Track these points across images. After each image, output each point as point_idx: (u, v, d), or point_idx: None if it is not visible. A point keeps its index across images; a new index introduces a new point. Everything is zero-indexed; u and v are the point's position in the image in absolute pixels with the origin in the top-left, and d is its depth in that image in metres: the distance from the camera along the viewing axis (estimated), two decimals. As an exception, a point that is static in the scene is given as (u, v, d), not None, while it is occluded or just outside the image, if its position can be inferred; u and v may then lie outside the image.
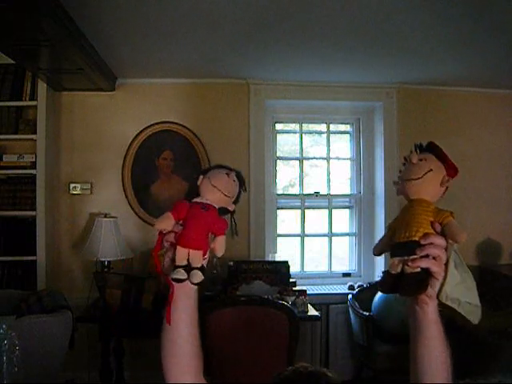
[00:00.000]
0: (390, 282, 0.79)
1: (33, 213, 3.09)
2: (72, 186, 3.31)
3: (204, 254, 0.83)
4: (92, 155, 3.35)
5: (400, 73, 3.29)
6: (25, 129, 3.13)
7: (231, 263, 3.13)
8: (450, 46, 2.67)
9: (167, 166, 3.41)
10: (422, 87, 3.58)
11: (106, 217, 3.11)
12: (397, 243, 0.79)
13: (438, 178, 0.80)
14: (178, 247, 0.80)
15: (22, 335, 1.71)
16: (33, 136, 3.10)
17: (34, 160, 3.10)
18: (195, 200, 0.85)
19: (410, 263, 0.75)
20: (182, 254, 0.80)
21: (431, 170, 0.80)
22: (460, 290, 0.76)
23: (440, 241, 0.75)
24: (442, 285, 0.75)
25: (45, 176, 3.11)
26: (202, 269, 0.81)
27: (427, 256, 0.74)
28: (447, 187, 0.82)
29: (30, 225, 3.10)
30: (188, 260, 0.80)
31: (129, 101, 3.39)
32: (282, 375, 0.92)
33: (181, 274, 0.80)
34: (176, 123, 3.40)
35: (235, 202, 0.89)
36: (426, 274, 0.75)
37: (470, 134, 3.67)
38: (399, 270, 0.77)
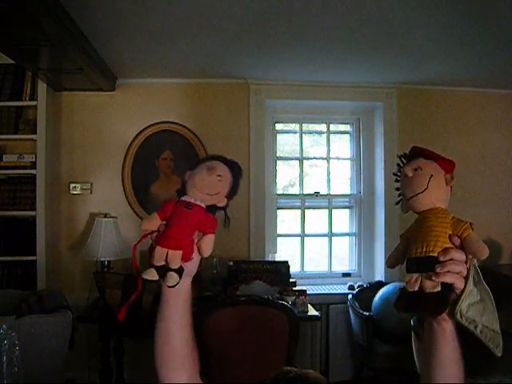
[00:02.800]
0: (406, 300, 0.73)
1: (33, 213, 3.09)
2: (72, 186, 3.31)
3: (187, 255, 0.80)
4: (92, 155, 3.35)
5: (400, 73, 3.28)
6: (25, 129, 3.12)
7: (231, 263, 3.12)
8: (449, 46, 2.67)
9: (167, 166, 3.41)
10: (422, 87, 3.58)
11: (105, 217, 3.11)
12: (413, 258, 0.73)
13: (441, 180, 0.77)
14: (157, 247, 0.78)
15: (22, 335, 1.71)
16: (33, 136, 3.10)
17: (34, 160, 3.10)
18: (181, 198, 0.82)
19: (433, 277, 0.70)
20: (159, 254, 0.78)
21: (432, 175, 0.76)
22: (477, 310, 0.71)
23: (460, 256, 0.71)
24: (458, 301, 0.71)
25: (45, 176, 3.11)
26: (179, 270, 0.78)
27: (448, 272, 0.70)
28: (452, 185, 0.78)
29: (30, 225, 3.10)
30: (166, 260, 0.78)
31: (129, 101, 3.39)
32: (264, 383, 0.90)
33: (151, 275, 0.78)
34: (176, 123, 3.40)
35: (232, 195, 0.84)
36: (448, 292, 0.70)
37: (470, 133, 3.67)
38: (417, 287, 0.72)
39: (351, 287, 3.46)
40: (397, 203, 0.82)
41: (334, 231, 3.76)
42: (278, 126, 3.74)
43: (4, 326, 1.51)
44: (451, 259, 0.70)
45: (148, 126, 3.39)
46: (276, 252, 3.56)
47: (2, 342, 1.49)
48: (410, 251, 0.75)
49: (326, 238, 3.75)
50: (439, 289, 0.70)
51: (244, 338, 2.28)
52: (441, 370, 0.74)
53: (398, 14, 2.22)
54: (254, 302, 2.38)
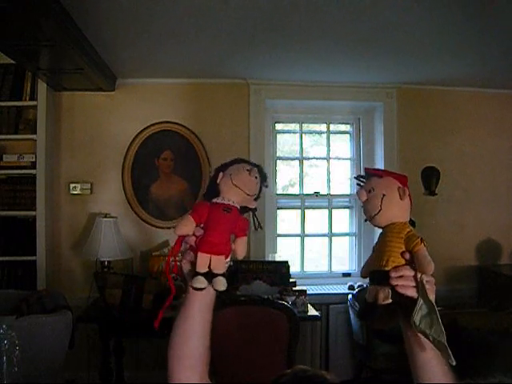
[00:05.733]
0: (365, 309, 0.79)
1: (33, 213, 3.09)
2: (72, 186, 3.30)
3: (226, 258, 0.79)
4: (92, 155, 3.35)
5: (400, 73, 3.28)
6: (25, 129, 3.12)
7: (231, 263, 3.11)
8: (450, 46, 2.67)
9: (167, 166, 3.41)
10: (422, 87, 3.58)
11: (106, 217, 3.10)
12: (372, 271, 0.79)
13: (395, 196, 0.80)
14: (200, 253, 0.76)
15: (22, 335, 1.71)
16: (33, 136, 3.10)
17: (34, 160, 3.10)
18: (215, 200, 0.80)
19: (383, 290, 0.75)
20: (203, 261, 0.76)
21: (384, 194, 0.79)
22: (427, 323, 0.74)
23: (409, 273, 0.76)
24: (412, 313, 0.74)
25: (45, 176, 3.11)
26: (224, 274, 0.78)
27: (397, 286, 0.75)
28: (410, 195, 0.81)
29: (30, 225, 3.10)
30: (210, 266, 0.76)
31: (129, 101, 3.39)
32: (281, 380, 0.89)
33: (201, 282, 0.76)
34: (176, 123, 3.40)
35: (256, 199, 0.86)
36: (397, 307, 0.75)
37: (470, 134, 3.67)
38: (371, 299, 0.77)
39: (351, 287, 3.46)
40: (365, 220, 0.86)
41: (334, 231, 3.76)
42: (278, 126, 3.74)
43: (4, 326, 1.51)
44: (401, 276, 0.76)
45: (148, 126, 3.38)
46: (276, 252, 3.56)
47: (2, 342, 1.49)
48: (372, 264, 0.80)
49: (326, 238, 3.75)
50: (390, 301, 0.75)
51: (244, 338, 2.28)
52: (424, 371, 0.79)
53: (398, 14, 2.22)
54: (254, 301, 2.38)
